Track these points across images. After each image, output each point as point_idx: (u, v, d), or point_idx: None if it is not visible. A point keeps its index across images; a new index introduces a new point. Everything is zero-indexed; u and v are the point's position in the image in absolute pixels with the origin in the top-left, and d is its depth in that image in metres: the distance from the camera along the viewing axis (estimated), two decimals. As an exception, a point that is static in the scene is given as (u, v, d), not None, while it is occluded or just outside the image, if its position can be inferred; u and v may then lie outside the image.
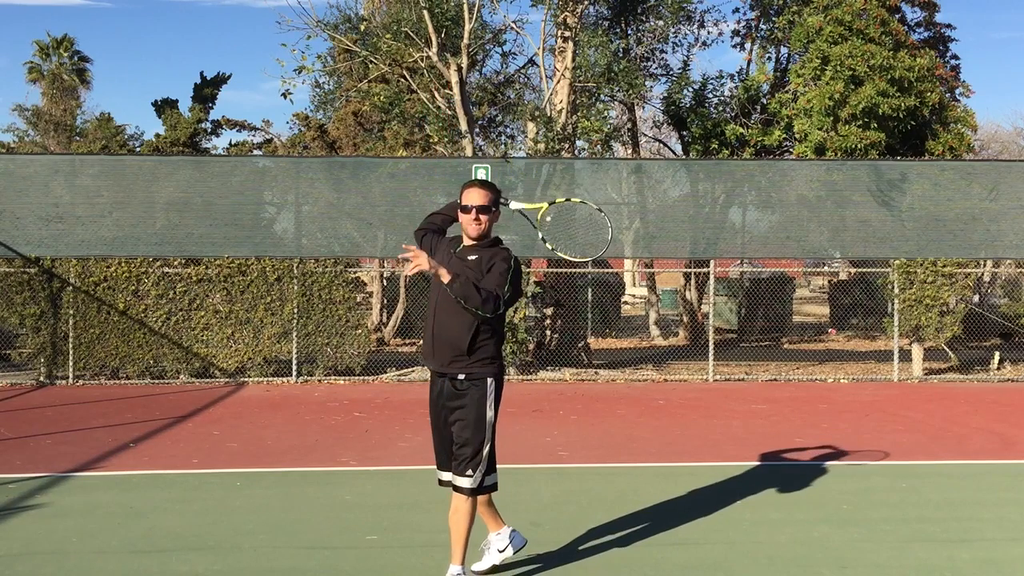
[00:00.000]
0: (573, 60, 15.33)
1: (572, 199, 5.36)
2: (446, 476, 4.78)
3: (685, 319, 19.65)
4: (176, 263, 13.04)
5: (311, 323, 12.95)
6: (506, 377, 13.89)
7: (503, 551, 4.99)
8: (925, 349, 13.95)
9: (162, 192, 13.17)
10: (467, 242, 4.76)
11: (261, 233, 13.27)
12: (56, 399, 11.41)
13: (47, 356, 12.68)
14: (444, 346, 4.66)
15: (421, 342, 4.76)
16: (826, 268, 29.28)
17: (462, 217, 4.73)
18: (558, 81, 15.46)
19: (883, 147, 15.75)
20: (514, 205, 5.06)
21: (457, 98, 14.43)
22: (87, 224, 12.95)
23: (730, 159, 16.04)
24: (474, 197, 4.69)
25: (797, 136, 16.69)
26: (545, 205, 5.18)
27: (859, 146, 15.53)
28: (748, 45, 19.77)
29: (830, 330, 21.58)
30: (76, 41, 37.65)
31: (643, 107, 21.47)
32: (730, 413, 10.66)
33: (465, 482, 4.64)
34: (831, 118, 15.91)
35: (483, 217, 4.68)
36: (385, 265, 17.42)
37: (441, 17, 15.09)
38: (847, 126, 15.73)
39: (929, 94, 16.09)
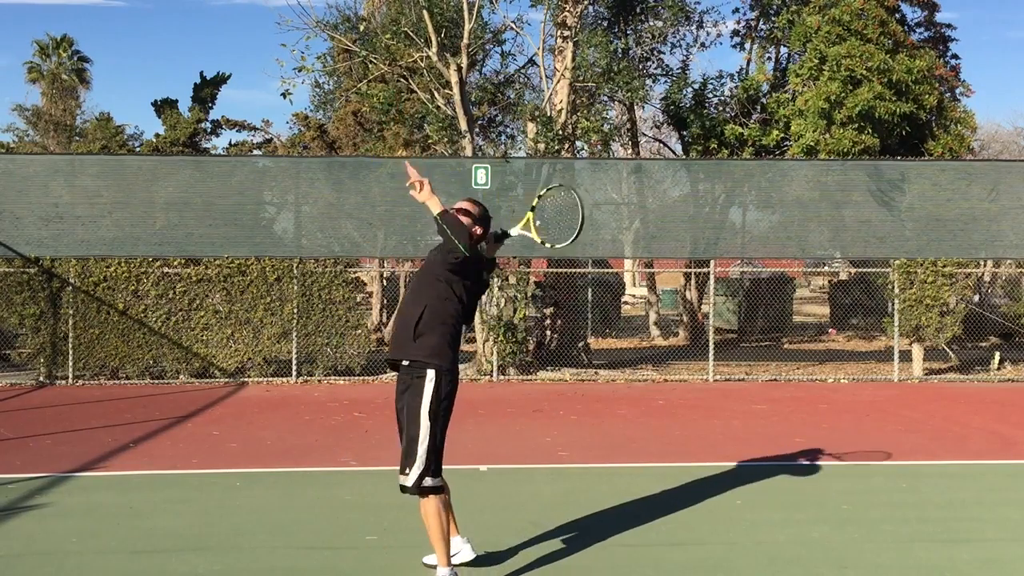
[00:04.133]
0: (573, 60, 15.33)
1: (543, 192, 5.17)
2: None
3: (685, 319, 19.65)
4: (176, 263, 13.04)
5: (311, 323, 12.94)
6: (503, 377, 13.80)
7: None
8: (925, 349, 13.95)
9: (162, 192, 13.18)
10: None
11: (261, 233, 13.27)
12: (56, 399, 11.41)
13: (47, 356, 12.68)
14: (399, 330, 4.78)
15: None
16: (826, 268, 29.27)
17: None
18: (558, 81, 15.46)
19: (876, 152, 15.76)
20: (514, 231, 5.09)
21: (457, 98, 14.43)
22: (87, 224, 12.96)
23: (730, 159, 16.04)
24: (466, 205, 4.97)
25: (793, 137, 16.70)
26: (529, 215, 5.11)
27: (853, 150, 15.52)
28: (748, 45, 19.79)
29: (830, 330, 21.57)
30: (76, 41, 37.68)
31: (643, 107, 21.48)
32: (730, 413, 10.66)
33: (403, 480, 4.62)
34: (826, 120, 15.91)
35: (477, 229, 4.86)
36: (385, 265, 17.42)
37: (441, 17, 15.07)
38: (842, 129, 15.73)
39: (927, 96, 16.09)
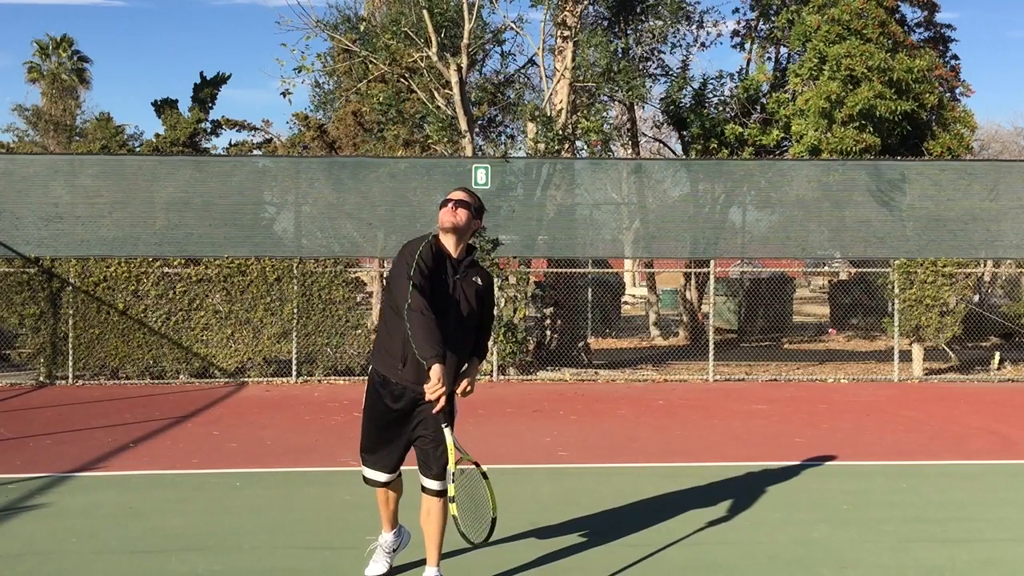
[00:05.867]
0: (573, 60, 15.33)
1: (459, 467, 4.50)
2: (386, 477, 4.81)
3: (685, 319, 19.65)
4: (176, 263, 13.04)
5: (311, 323, 12.94)
6: (503, 377, 13.86)
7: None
8: (925, 349, 13.95)
9: (162, 192, 13.18)
10: (449, 245, 4.66)
11: (261, 233, 13.27)
12: (56, 399, 11.41)
13: (47, 356, 12.68)
14: (454, 366, 4.60)
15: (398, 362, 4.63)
16: (826, 268, 29.27)
17: (440, 212, 4.69)
18: (558, 81, 15.47)
19: (878, 151, 15.78)
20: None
21: (457, 98, 14.43)
22: (87, 224, 12.96)
23: (730, 159, 16.04)
24: (456, 194, 4.73)
25: (794, 137, 16.70)
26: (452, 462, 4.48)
27: (854, 149, 15.53)
28: (748, 45, 19.80)
29: (830, 330, 21.57)
30: (76, 41, 37.72)
31: (643, 107, 21.50)
32: (730, 413, 10.66)
33: (442, 484, 4.60)
34: (826, 120, 15.91)
35: (461, 211, 4.64)
36: (385, 265, 17.42)
37: (441, 17, 15.08)
38: (843, 128, 15.73)
39: (928, 95, 16.09)
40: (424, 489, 4.67)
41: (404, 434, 4.72)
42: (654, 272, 21.03)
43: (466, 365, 4.75)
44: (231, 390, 12.24)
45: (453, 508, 4.34)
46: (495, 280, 12.91)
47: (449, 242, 4.67)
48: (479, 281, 4.74)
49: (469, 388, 4.69)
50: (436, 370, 4.26)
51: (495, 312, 13.04)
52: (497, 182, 13.39)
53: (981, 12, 69.10)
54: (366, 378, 4.76)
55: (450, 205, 4.66)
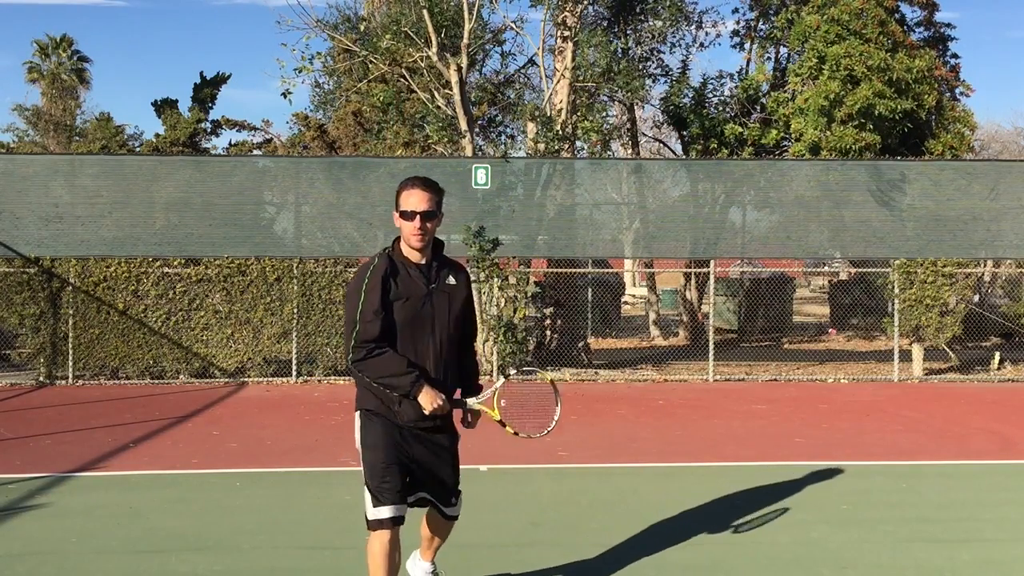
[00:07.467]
0: (573, 60, 15.33)
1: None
2: (400, 511, 4.11)
3: (685, 319, 19.63)
4: (176, 263, 13.03)
5: (311, 323, 12.94)
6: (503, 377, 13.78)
7: None
8: (925, 349, 13.95)
9: (162, 192, 13.18)
10: (413, 256, 4.10)
11: (261, 233, 13.27)
12: (56, 399, 11.41)
13: (47, 356, 12.67)
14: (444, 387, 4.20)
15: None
16: (826, 268, 29.27)
17: (403, 224, 4.04)
18: (558, 81, 15.47)
19: (878, 149, 15.78)
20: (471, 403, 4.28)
21: (457, 98, 14.43)
22: (87, 224, 12.95)
23: (730, 159, 16.04)
24: (417, 201, 4.00)
25: (794, 135, 16.71)
26: (495, 412, 4.29)
27: (854, 148, 15.53)
28: (747, 45, 19.80)
29: (830, 330, 21.56)
30: (76, 41, 37.77)
31: (643, 107, 21.50)
32: (730, 413, 10.66)
33: (459, 510, 4.40)
34: (826, 118, 15.91)
35: (429, 225, 4.02)
36: (385, 265, 17.41)
37: (441, 17, 15.07)
38: (842, 127, 15.73)
39: (927, 95, 16.09)
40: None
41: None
42: (654, 272, 21.02)
43: (458, 391, 4.27)
44: (231, 390, 12.24)
45: (495, 414, 4.18)
46: (494, 280, 12.94)
47: (415, 256, 4.10)
48: (453, 280, 4.16)
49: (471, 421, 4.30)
50: (424, 394, 3.92)
51: (495, 312, 13.07)
52: (497, 182, 13.39)
53: (981, 12, 69.08)
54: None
55: (416, 220, 3.98)
